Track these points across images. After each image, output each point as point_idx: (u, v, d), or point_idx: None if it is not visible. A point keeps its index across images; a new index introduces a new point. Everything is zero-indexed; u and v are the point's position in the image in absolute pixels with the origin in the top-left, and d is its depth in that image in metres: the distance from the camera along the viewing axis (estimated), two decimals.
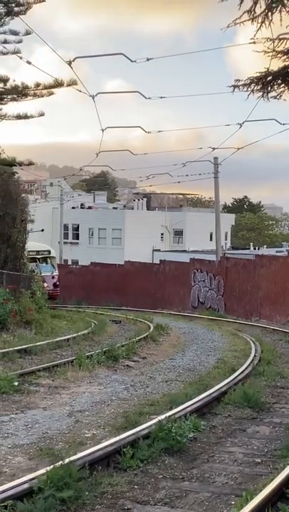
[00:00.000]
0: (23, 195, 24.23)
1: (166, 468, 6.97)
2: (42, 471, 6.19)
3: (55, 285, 32.66)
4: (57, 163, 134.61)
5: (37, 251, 31.80)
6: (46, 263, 33.29)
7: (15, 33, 21.84)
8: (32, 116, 23.12)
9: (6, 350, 14.57)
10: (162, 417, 8.12)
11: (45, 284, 26.45)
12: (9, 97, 22.28)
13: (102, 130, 23.62)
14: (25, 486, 5.87)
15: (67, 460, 6.38)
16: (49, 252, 33.78)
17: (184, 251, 51.70)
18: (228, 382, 11.08)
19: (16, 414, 9.40)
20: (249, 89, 13.89)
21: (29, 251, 25.97)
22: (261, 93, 13.97)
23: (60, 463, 6.27)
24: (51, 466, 6.21)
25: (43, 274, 28.01)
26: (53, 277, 32.52)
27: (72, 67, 17.44)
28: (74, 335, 18.40)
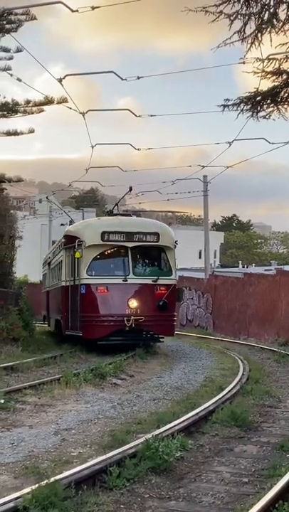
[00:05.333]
0: (11, 211, 24.22)
1: (152, 488, 6.91)
2: (27, 489, 6.11)
3: (160, 306, 19.45)
4: (46, 180, 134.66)
5: (128, 232, 19.75)
6: (148, 259, 20.78)
7: (6, 49, 21.93)
8: (22, 133, 23.15)
9: None
10: (149, 435, 8.07)
11: (133, 302, 19.13)
12: None
13: (92, 146, 23.72)
14: (11, 504, 5.80)
15: (52, 479, 6.31)
16: (157, 236, 20.01)
17: None
18: (216, 401, 11.04)
19: (2, 432, 9.30)
20: (239, 108, 13.99)
21: (108, 231, 19.56)
22: (251, 113, 14.07)
23: (45, 482, 6.20)
24: (37, 485, 6.14)
25: (130, 282, 19.39)
26: (157, 289, 19.71)
27: (62, 85, 17.53)
28: (61, 352, 18.34)
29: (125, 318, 18.89)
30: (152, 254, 20.89)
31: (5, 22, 20.59)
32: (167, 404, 11.69)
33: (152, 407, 11.44)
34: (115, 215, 21.95)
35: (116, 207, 23.17)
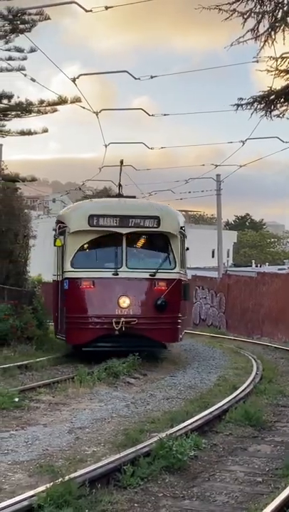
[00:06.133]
0: (25, 210, 24.25)
1: (166, 487, 6.92)
2: (42, 488, 6.14)
3: (159, 306, 16.48)
4: (60, 179, 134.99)
5: (121, 216, 16.83)
6: (146, 249, 18.05)
7: (19, 50, 21.99)
8: (36, 133, 23.23)
9: (7, 365, 14.53)
10: (163, 434, 8.08)
11: (125, 301, 16.35)
12: (13, 113, 22.40)
13: (106, 146, 23.73)
14: (25, 503, 5.83)
15: (67, 477, 6.34)
16: (158, 221, 16.89)
17: None
18: (230, 400, 11.03)
19: (16, 430, 9.35)
20: (252, 107, 13.98)
21: (96, 215, 16.62)
22: (264, 112, 14.05)
23: (60, 480, 6.23)
24: (51, 483, 6.17)
25: (121, 276, 16.54)
26: (156, 285, 16.75)
27: (76, 84, 17.58)
28: (74, 351, 18.36)
29: (114, 320, 15.97)
30: (151, 243, 17.73)
31: (19, 22, 20.66)
32: (181, 403, 11.70)
33: (166, 406, 11.46)
34: (119, 197, 18.90)
35: (120, 188, 19.94)
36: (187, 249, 19.12)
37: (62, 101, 21.87)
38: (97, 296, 16.50)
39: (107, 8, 14.90)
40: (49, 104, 22.55)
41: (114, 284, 16.45)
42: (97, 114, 20.30)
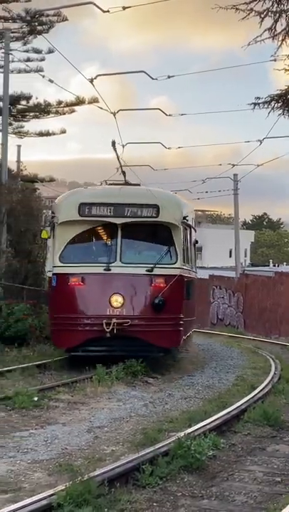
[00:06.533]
0: (44, 211, 24.42)
1: (185, 486, 6.94)
2: (61, 487, 6.18)
3: (156, 306, 14.81)
4: (78, 180, 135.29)
5: (116, 204, 15.25)
6: (144, 242, 16.32)
7: (37, 51, 22.17)
8: (54, 134, 23.39)
9: (26, 365, 14.62)
10: (181, 434, 8.09)
11: (117, 300, 14.76)
12: (31, 114, 22.59)
13: (123, 146, 23.78)
14: (45, 502, 5.87)
15: (86, 476, 6.37)
16: (157, 210, 15.17)
17: (203, 267, 51.67)
18: (248, 400, 11.02)
19: (36, 429, 9.41)
20: (269, 106, 13.95)
21: (88, 203, 15.11)
22: (281, 110, 14.02)
23: (79, 479, 6.26)
24: (70, 482, 6.20)
25: (114, 271, 14.94)
26: (153, 282, 15.00)
27: (93, 85, 17.66)
28: None
29: (104, 322, 14.36)
30: (150, 235, 16.10)
31: (36, 24, 20.81)
32: (199, 402, 11.70)
33: (184, 405, 11.47)
34: (123, 184, 17.17)
35: (124, 175, 18.35)
36: (196, 242, 17.79)
37: (79, 101, 22.03)
38: (86, 295, 14.98)
39: (124, 8, 14.96)
40: (67, 105, 22.74)
41: (105, 281, 14.92)
42: (114, 115, 20.34)
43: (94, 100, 21.23)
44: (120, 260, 15.02)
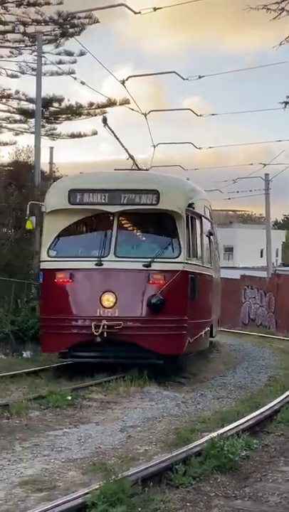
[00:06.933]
0: None
1: (218, 486, 6.95)
2: (95, 485, 6.23)
3: (153, 306, 13.07)
4: None
5: (111, 190, 13.66)
6: (143, 232, 14.94)
7: (69, 53, 22.35)
8: (86, 135, 23.55)
9: (58, 364, 14.74)
10: (214, 434, 8.09)
11: (109, 299, 13.17)
12: (64, 116, 22.79)
13: (154, 146, 23.83)
14: (79, 500, 5.92)
15: (120, 475, 6.42)
16: (157, 196, 13.42)
17: (234, 267, 51.47)
18: (281, 401, 10.98)
19: (70, 428, 9.50)
20: None
21: (79, 190, 13.68)
22: None
23: (113, 478, 6.31)
24: (104, 481, 6.25)
25: (106, 267, 13.38)
26: (151, 279, 13.27)
27: (125, 86, 17.75)
28: None
29: (93, 324, 12.85)
30: (149, 224, 14.44)
31: (68, 26, 20.99)
32: (231, 403, 11.70)
33: (216, 405, 11.47)
34: (130, 170, 15.59)
35: (133, 159, 16.51)
36: (210, 234, 16.17)
37: (111, 103, 22.15)
38: (75, 293, 13.48)
39: (155, 9, 15.02)
40: (98, 107, 22.88)
41: (96, 278, 13.38)
42: (145, 116, 20.41)
43: (125, 102, 21.35)
44: (114, 254, 13.37)
